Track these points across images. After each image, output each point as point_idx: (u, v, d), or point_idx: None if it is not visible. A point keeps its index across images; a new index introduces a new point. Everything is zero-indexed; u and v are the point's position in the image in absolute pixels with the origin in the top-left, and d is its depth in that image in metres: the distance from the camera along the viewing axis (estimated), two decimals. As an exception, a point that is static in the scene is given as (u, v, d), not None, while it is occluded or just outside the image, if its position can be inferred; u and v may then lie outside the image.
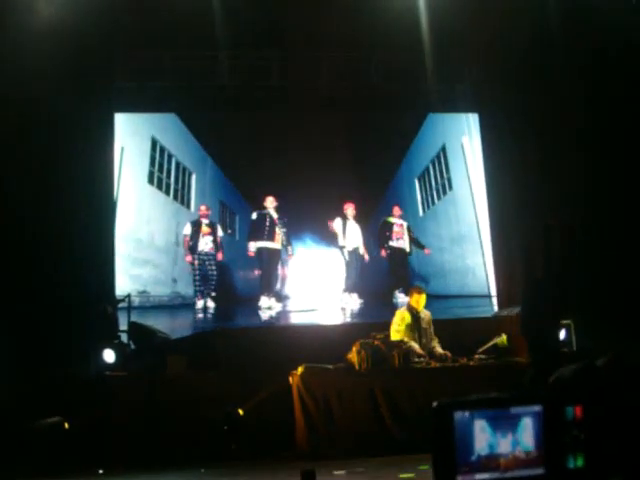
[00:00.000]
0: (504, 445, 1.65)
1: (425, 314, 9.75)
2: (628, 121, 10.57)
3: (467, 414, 1.64)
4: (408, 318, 9.52)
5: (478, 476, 1.65)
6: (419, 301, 9.65)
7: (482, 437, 1.64)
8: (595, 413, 1.68)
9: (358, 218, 13.31)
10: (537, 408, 1.66)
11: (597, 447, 1.67)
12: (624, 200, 10.63)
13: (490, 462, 1.64)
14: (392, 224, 13.58)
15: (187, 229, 12.96)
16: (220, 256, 13.02)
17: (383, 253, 13.63)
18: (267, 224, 12.95)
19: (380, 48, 12.50)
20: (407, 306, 9.78)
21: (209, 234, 12.93)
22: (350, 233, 13.27)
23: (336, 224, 13.25)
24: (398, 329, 9.45)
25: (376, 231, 13.78)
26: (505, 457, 1.65)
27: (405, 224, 13.66)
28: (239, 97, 12.54)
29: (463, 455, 1.63)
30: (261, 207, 13.03)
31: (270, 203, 12.99)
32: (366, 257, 13.45)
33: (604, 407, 1.73)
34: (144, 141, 12.90)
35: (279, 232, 13.04)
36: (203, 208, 13.09)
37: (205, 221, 12.97)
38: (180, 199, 13.50)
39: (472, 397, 1.67)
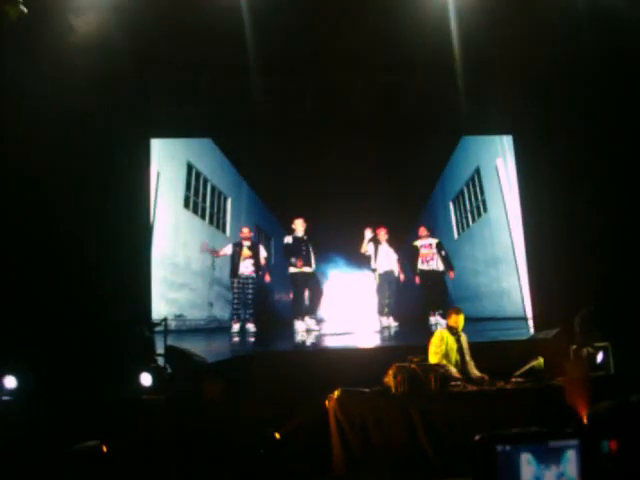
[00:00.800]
0: (549, 477, 1.67)
1: (463, 336, 9.73)
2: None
3: (509, 448, 1.67)
4: (448, 339, 9.51)
5: None
6: (458, 321, 9.65)
7: (528, 470, 1.66)
8: (630, 447, 1.70)
9: (392, 242, 13.30)
10: (574, 442, 1.69)
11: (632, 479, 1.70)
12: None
13: None
14: (418, 248, 13.53)
15: (228, 249, 12.99)
16: (267, 278, 13.04)
17: (417, 280, 13.57)
18: (303, 248, 12.98)
19: (413, 72, 12.52)
20: (446, 327, 9.78)
21: (250, 257, 12.94)
22: (382, 256, 13.28)
23: (369, 248, 13.26)
24: (437, 350, 9.43)
25: (410, 255, 13.77)
26: None
27: (434, 242, 13.56)
28: (273, 121, 12.60)
29: None
30: (291, 230, 13.06)
31: (299, 225, 13.00)
32: (402, 278, 13.43)
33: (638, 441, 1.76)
34: (180, 166, 13.02)
35: (311, 255, 13.07)
36: (245, 231, 13.11)
37: (247, 244, 12.99)
38: (216, 223, 13.58)
39: (512, 431, 1.70)
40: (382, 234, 13.27)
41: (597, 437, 1.65)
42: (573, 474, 1.66)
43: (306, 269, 12.99)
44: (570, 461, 1.66)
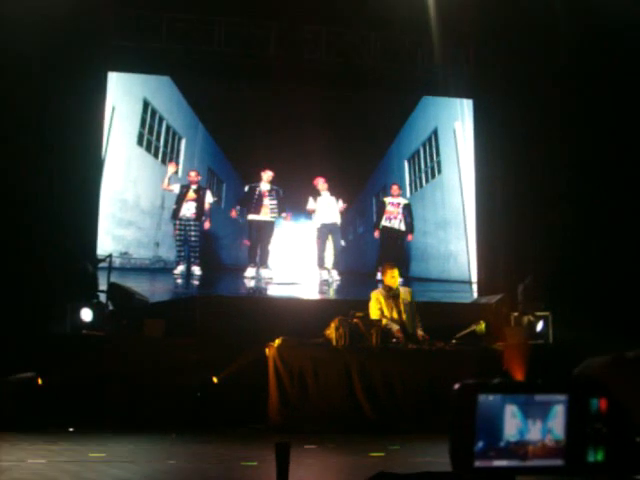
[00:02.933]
0: (534, 432, 1.63)
1: (404, 291, 9.73)
2: (622, 109, 10.60)
3: (493, 398, 1.61)
4: (382, 300, 9.48)
5: (497, 463, 1.60)
6: (394, 276, 9.63)
7: (512, 423, 1.61)
8: (620, 407, 1.66)
9: (339, 194, 13.16)
10: (563, 397, 1.64)
11: (619, 442, 1.66)
12: (611, 190, 10.71)
13: (518, 449, 1.62)
14: (386, 204, 13.45)
15: (176, 188, 12.85)
16: (207, 224, 12.92)
17: (376, 234, 13.47)
18: (255, 197, 12.92)
19: (379, 28, 12.45)
20: (382, 286, 9.76)
21: (193, 200, 12.81)
22: (321, 207, 13.13)
23: (309, 204, 13.11)
24: (373, 312, 9.43)
25: (363, 209, 13.74)
26: (534, 444, 1.63)
27: (403, 203, 13.47)
28: (235, 65, 12.45)
29: (488, 440, 1.60)
30: (255, 180, 13.00)
31: (266, 177, 12.94)
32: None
33: (630, 401, 1.71)
34: (136, 102, 12.77)
35: (267, 204, 12.98)
36: (193, 174, 12.96)
37: (193, 187, 12.86)
38: (168, 163, 13.41)
39: (497, 380, 1.65)
40: (320, 183, 13.02)
41: (587, 394, 1.60)
42: (559, 431, 1.61)
43: (256, 217, 12.93)
44: (557, 417, 1.61)
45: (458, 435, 1.62)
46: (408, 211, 13.42)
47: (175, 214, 12.77)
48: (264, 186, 12.99)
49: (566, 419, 1.61)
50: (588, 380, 1.74)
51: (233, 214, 12.98)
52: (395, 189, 13.45)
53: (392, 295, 9.54)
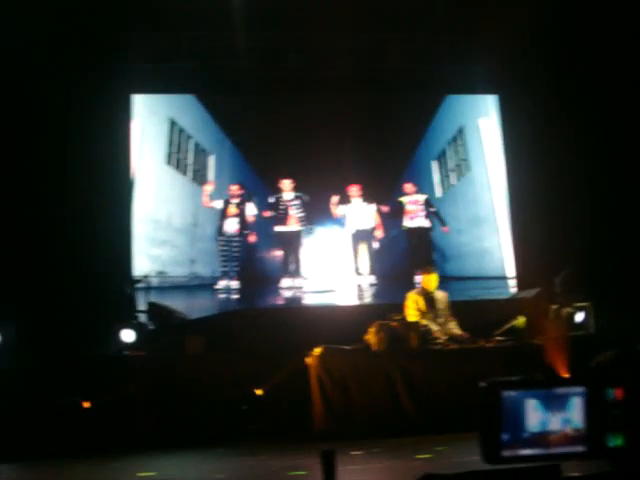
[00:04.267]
0: (555, 423, 1.75)
1: (440, 295, 9.75)
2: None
3: (515, 393, 1.74)
4: (420, 301, 9.51)
5: (522, 452, 1.75)
6: (429, 281, 9.66)
7: (534, 415, 1.75)
8: (635, 395, 1.77)
9: (371, 199, 13.19)
10: (580, 389, 1.75)
11: (636, 428, 1.77)
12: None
13: (541, 439, 1.73)
14: (404, 203, 13.41)
15: (219, 204, 12.91)
16: (252, 238, 12.95)
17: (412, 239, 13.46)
18: (281, 208, 12.96)
19: (397, 30, 12.46)
20: (420, 289, 9.80)
21: (236, 215, 12.85)
22: (353, 215, 13.16)
23: (339, 210, 13.11)
24: (411, 312, 9.45)
25: (393, 213, 13.74)
26: (555, 434, 1.74)
27: (422, 199, 13.41)
28: (256, 79, 12.51)
29: (513, 432, 1.73)
30: (277, 190, 13.05)
31: (286, 186, 12.99)
32: (380, 235, 13.27)
33: None
34: (162, 122, 12.91)
35: (293, 215, 13.02)
36: (234, 188, 12.94)
37: (234, 201, 12.90)
38: (198, 180, 13.51)
39: (518, 378, 1.77)
40: (353, 191, 13.06)
41: (602, 385, 1.72)
42: (579, 420, 1.73)
43: (284, 228, 12.98)
44: (576, 407, 1.74)
45: (486, 429, 1.75)
46: (430, 204, 13.39)
47: (219, 230, 12.85)
48: (287, 195, 13.01)
49: (585, 409, 1.71)
50: (603, 372, 1.85)
51: (251, 239, 13.00)
52: (409, 187, 13.34)
53: (428, 298, 9.56)
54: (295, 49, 12.49)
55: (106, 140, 11.06)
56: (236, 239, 12.86)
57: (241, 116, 13.09)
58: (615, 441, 1.78)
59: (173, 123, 13.07)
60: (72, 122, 10.55)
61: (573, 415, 1.74)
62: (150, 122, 12.60)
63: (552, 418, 1.73)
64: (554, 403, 1.73)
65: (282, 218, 12.98)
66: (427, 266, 10.49)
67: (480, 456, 1.75)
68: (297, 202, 13.03)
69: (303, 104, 12.96)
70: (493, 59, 12.70)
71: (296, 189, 12.99)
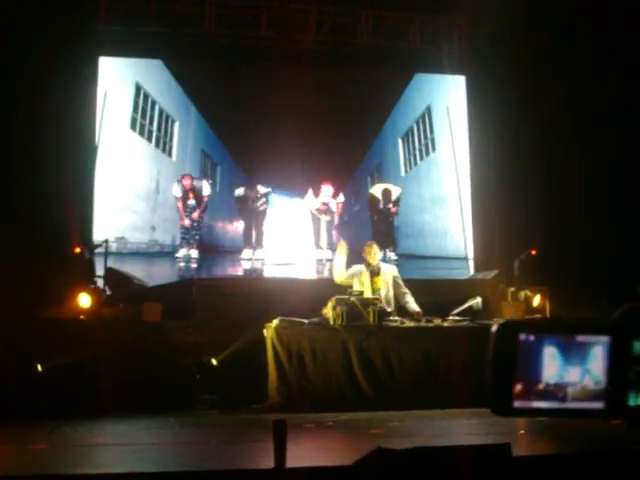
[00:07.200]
0: (573, 374, 1.61)
1: (387, 268, 9.74)
2: (616, 78, 10.63)
3: (533, 337, 1.59)
4: (365, 275, 9.46)
5: (536, 404, 1.62)
6: (370, 253, 9.59)
7: (551, 365, 1.59)
8: None
9: (336, 192, 13.19)
10: (604, 339, 1.62)
11: None
12: (607, 161, 10.75)
13: (557, 391, 1.61)
14: (379, 201, 13.44)
15: (177, 191, 12.85)
16: (201, 215, 12.96)
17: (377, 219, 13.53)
18: (249, 201, 13.05)
19: (370, 5, 12.41)
20: (365, 262, 9.66)
21: (195, 208, 12.90)
22: (321, 201, 13.18)
23: (308, 196, 13.11)
24: (347, 281, 9.42)
25: (358, 188, 13.71)
26: (573, 387, 1.61)
27: (394, 197, 13.49)
28: (226, 47, 12.40)
29: (527, 382, 1.60)
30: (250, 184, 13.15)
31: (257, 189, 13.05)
32: (337, 213, 13.29)
33: None
34: (128, 86, 12.73)
35: (259, 206, 13.08)
36: (187, 182, 12.96)
37: (190, 194, 12.93)
38: (162, 146, 13.37)
39: (538, 319, 1.63)
40: (325, 189, 13.16)
41: (630, 335, 1.57)
42: (599, 373, 1.59)
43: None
44: (596, 359, 1.58)
45: (497, 376, 1.63)
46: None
47: (180, 204, 12.86)
48: (255, 192, 13.07)
49: (607, 362, 1.58)
50: (632, 320, 1.68)
51: (194, 216, 13.06)
52: (387, 191, 13.51)
53: (372, 271, 9.52)
54: (265, 19, 12.37)
55: (73, 103, 10.92)
56: (196, 212, 12.85)
57: (208, 84, 12.96)
58: (637, 400, 1.65)
59: (138, 88, 12.90)
60: (38, 84, 10.38)
61: (593, 368, 1.59)
62: (115, 86, 12.42)
63: (570, 369, 1.58)
64: (574, 353, 1.58)
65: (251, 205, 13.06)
66: (368, 241, 10.39)
67: (489, 406, 1.63)
68: (263, 199, 13.08)
69: (270, 75, 12.87)
70: (461, 40, 12.72)
71: (263, 182, 13.01)
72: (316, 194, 13.14)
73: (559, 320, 1.66)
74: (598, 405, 1.65)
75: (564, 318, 1.72)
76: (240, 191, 13.13)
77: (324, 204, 13.17)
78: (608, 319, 1.73)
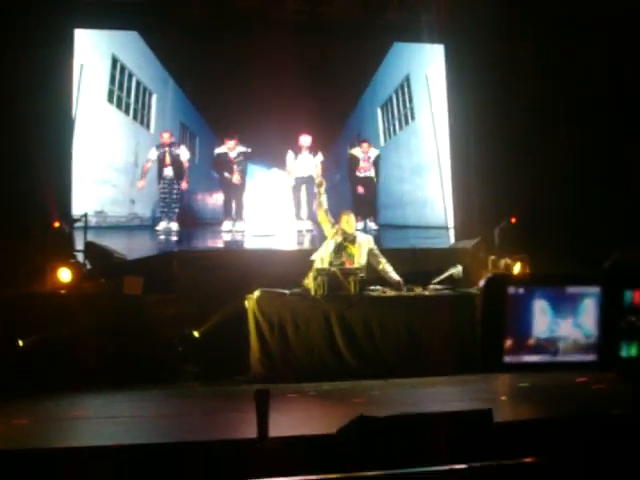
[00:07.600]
0: (564, 328, 1.58)
1: (362, 238, 9.66)
2: (596, 49, 10.63)
3: (522, 290, 1.56)
4: (333, 244, 9.40)
5: (527, 358, 1.61)
6: (348, 221, 9.52)
7: (542, 320, 1.56)
8: None
9: (316, 147, 13.11)
10: (594, 289, 1.58)
11: None
12: (583, 139, 10.76)
13: (548, 345, 1.60)
14: (359, 160, 13.42)
15: (152, 154, 12.79)
16: (184, 185, 12.90)
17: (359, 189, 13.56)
18: (225, 161, 12.97)
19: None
20: (340, 233, 9.57)
21: (170, 164, 12.79)
22: (299, 163, 13.09)
23: (288, 157, 13.06)
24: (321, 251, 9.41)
25: (338, 157, 13.69)
26: (565, 340, 1.59)
27: (374, 155, 13.52)
28: (203, 18, 12.30)
29: (518, 336, 1.56)
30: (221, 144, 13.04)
31: (230, 146, 12.91)
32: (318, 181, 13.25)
33: None
34: (104, 59, 12.62)
35: (236, 170, 12.98)
36: (166, 136, 12.88)
37: (167, 150, 12.81)
38: (140, 119, 13.28)
39: (527, 273, 1.61)
40: (304, 139, 13.05)
41: (620, 285, 1.52)
42: (590, 325, 1.55)
43: (234, 180, 12.97)
44: (587, 311, 1.55)
45: (487, 331, 1.60)
46: (377, 160, 13.45)
47: (159, 175, 12.77)
48: (231, 154, 12.97)
49: (598, 313, 1.55)
50: (622, 272, 1.65)
51: (183, 186, 12.99)
52: (365, 147, 13.42)
53: (348, 241, 9.47)
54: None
55: (49, 76, 10.81)
56: (176, 185, 12.80)
57: (185, 55, 12.85)
58: (629, 350, 1.63)
59: (115, 60, 12.78)
60: (12, 56, 10.26)
61: (584, 320, 1.55)
62: (92, 58, 12.29)
63: (561, 322, 1.55)
64: (564, 305, 1.54)
65: (227, 170, 12.94)
66: (345, 209, 10.33)
67: (480, 362, 1.60)
68: (240, 158, 12.97)
69: (249, 46, 12.77)
70: (440, 9, 12.65)
71: (240, 141, 12.90)
72: (296, 153, 13.06)
73: (550, 273, 1.60)
74: (590, 357, 1.64)
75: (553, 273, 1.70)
76: (221, 149, 13.05)
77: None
78: (599, 270, 1.69)
